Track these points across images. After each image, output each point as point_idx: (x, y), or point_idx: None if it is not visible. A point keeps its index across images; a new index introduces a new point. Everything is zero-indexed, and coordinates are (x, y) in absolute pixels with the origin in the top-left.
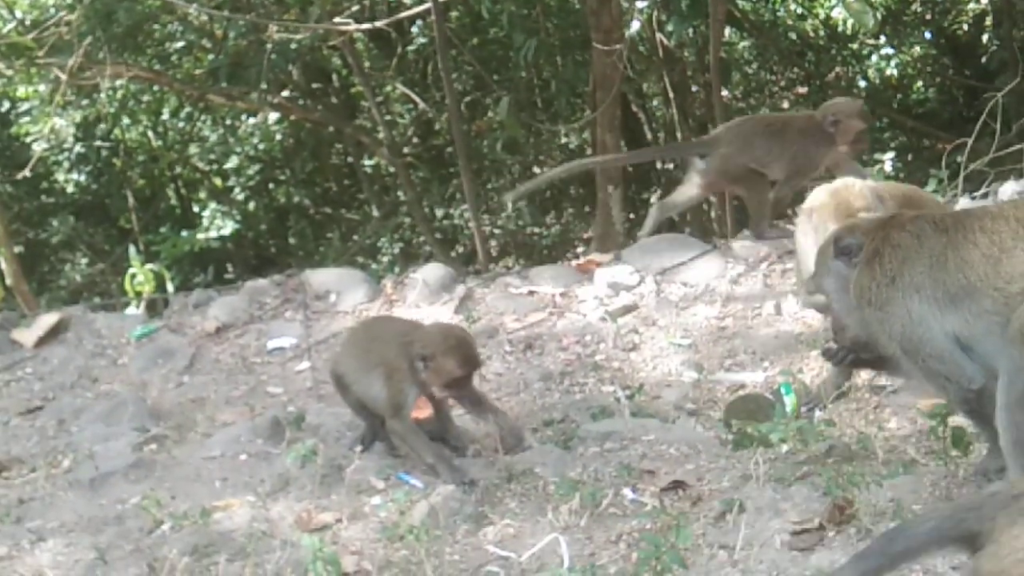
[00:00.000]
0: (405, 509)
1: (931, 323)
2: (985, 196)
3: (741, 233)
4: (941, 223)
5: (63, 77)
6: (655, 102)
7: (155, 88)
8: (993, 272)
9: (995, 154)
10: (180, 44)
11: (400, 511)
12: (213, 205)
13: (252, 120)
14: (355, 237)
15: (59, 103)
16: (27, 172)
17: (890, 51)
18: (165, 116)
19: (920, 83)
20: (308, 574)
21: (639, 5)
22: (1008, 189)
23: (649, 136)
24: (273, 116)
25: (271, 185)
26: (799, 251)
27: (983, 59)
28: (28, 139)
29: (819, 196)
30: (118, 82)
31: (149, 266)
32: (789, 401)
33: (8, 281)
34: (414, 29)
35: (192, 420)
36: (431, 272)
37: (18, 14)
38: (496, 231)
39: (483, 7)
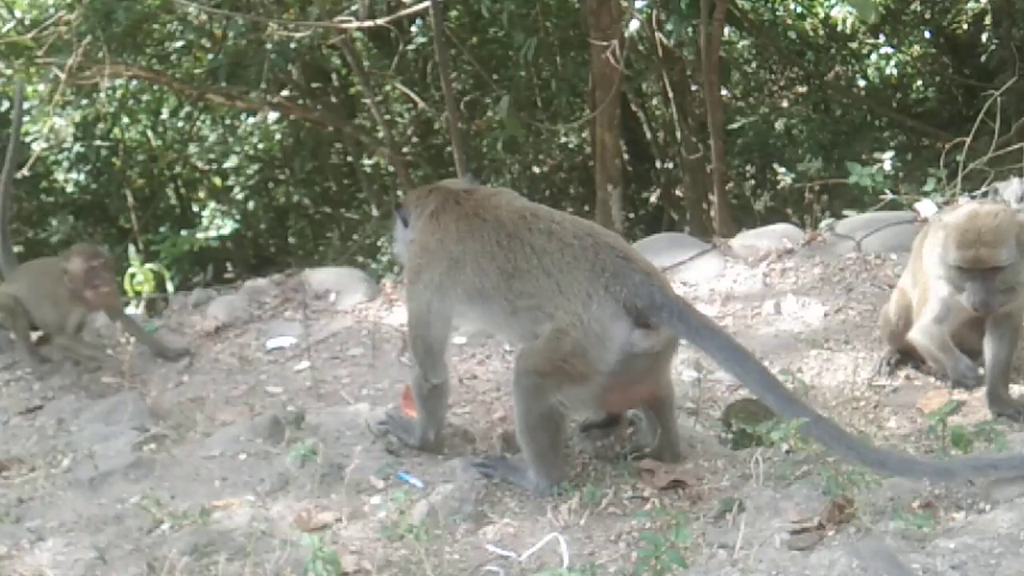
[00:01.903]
0: (405, 509)
1: (440, 319)
2: (984, 195)
3: (740, 232)
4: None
5: (62, 77)
6: (654, 101)
7: (154, 87)
8: (505, 285)
9: (994, 153)
10: (179, 43)
11: (400, 511)
12: (212, 205)
13: (251, 119)
14: (355, 236)
15: (58, 102)
16: (26, 171)
17: (889, 50)
18: (164, 115)
19: (919, 82)
20: (308, 574)
21: (638, 4)
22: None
23: (649, 135)
24: (272, 116)
25: (271, 185)
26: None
27: (982, 58)
28: (27, 139)
29: (958, 216)
30: (117, 81)
31: (148, 266)
32: None
33: None
34: (413, 28)
35: (191, 419)
36: None
37: (17, 14)
38: None
39: (482, 6)
